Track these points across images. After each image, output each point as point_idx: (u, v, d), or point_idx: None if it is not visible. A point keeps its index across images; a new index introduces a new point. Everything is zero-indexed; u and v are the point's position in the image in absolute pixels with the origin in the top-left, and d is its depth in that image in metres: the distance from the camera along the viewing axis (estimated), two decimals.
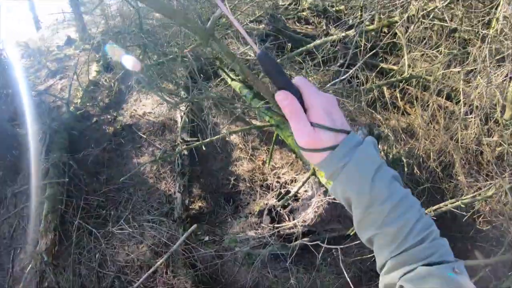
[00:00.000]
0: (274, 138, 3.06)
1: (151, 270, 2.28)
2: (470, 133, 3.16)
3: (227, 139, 3.53)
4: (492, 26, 2.92)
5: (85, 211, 2.87)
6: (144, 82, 3.75)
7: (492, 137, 3.24)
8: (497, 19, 2.82)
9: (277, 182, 3.14)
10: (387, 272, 0.57)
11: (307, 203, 2.77)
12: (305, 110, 0.56)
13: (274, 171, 3.27)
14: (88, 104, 3.76)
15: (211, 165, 3.31)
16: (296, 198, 2.93)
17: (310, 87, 0.57)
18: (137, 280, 2.33)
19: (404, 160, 3.17)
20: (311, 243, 2.31)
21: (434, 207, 2.21)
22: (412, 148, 3.22)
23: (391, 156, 3.18)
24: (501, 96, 2.98)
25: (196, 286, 2.39)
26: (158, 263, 2.29)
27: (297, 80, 0.58)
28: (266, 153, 3.37)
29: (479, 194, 2.49)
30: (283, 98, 0.56)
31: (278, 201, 2.89)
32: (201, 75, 3.99)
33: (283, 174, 3.21)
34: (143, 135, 3.47)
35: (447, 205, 2.29)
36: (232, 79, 3.70)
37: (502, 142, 3.19)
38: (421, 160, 3.23)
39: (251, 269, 2.52)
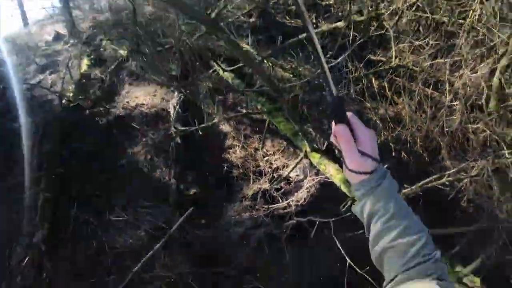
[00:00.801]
0: (266, 125, 3.14)
1: (149, 254, 2.32)
2: (455, 119, 3.31)
3: (220, 127, 3.61)
4: (470, 16, 3.08)
5: (81, 201, 2.90)
6: (144, 65, 3.81)
7: (477, 124, 3.41)
8: (474, 10, 2.99)
9: (269, 167, 3.22)
10: (396, 285, 0.68)
11: (299, 184, 2.85)
12: (355, 139, 0.73)
13: (266, 157, 3.35)
14: (80, 97, 3.78)
15: (204, 154, 3.37)
16: (288, 181, 3.01)
17: (359, 123, 0.74)
18: (135, 266, 2.37)
19: (392, 145, 3.30)
20: (304, 219, 2.40)
21: (420, 183, 2.32)
22: (399, 135, 3.35)
23: (379, 141, 3.30)
24: (486, 86, 3.13)
25: (194, 267, 2.45)
26: (156, 246, 2.34)
27: (350, 116, 0.74)
28: (258, 140, 3.45)
29: (465, 173, 2.62)
30: (341, 131, 0.72)
31: (271, 184, 2.96)
32: (194, 66, 4.05)
33: (275, 160, 3.29)
34: (136, 126, 3.51)
35: (432, 181, 2.40)
36: (224, 70, 3.78)
37: (486, 129, 3.36)
38: (408, 145, 3.37)
39: (246, 249, 2.61)
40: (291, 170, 2.56)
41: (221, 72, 3.83)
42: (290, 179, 3.01)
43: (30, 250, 2.60)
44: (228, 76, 3.72)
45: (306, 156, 2.51)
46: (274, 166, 3.26)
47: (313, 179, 2.65)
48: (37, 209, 2.75)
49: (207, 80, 3.97)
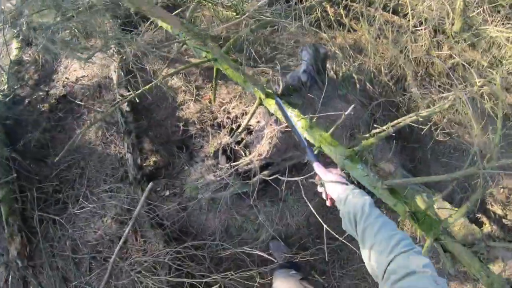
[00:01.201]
0: (214, 73, 2.87)
1: (121, 242, 2.25)
2: (420, 46, 3.08)
3: (169, 83, 3.31)
4: None
5: (43, 201, 2.72)
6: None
7: (442, 49, 3.19)
8: None
9: (228, 118, 2.98)
10: (392, 273, 0.78)
11: (260, 134, 2.71)
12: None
13: (223, 107, 3.11)
14: (16, 86, 3.34)
15: (156, 116, 3.10)
16: (249, 131, 2.85)
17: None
18: (112, 255, 2.30)
19: (355, 77, 3.10)
20: (270, 178, 2.33)
21: (393, 123, 2.18)
22: (362, 64, 3.14)
23: (341, 74, 3.10)
24: (450, 8, 2.85)
25: (168, 245, 2.36)
26: (125, 232, 2.26)
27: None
28: (211, 90, 3.17)
29: (438, 107, 2.50)
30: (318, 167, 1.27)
31: (231, 137, 2.81)
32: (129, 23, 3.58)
33: (232, 108, 3.05)
34: (80, 103, 3.18)
35: (405, 120, 2.27)
36: (162, 21, 3.33)
37: (452, 55, 3.16)
38: (372, 75, 3.18)
39: (217, 214, 2.59)
40: (247, 121, 2.36)
41: (159, 22, 3.38)
42: (251, 127, 2.84)
43: (10, 268, 2.46)
44: (167, 25, 3.28)
45: (261, 103, 2.31)
46: (233, 115, 3.03)
47: (273, 129, 2.50)
48: (3, 225, 2.58)
49: (146, 34, 3.54)
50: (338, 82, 2.95)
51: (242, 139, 2.78)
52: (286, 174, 2.55)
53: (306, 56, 2.73)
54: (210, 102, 3.13)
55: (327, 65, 3.09)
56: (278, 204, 2.53)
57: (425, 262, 0.77)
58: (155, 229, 2.37)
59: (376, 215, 0.93)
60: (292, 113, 2.12)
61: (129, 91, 3.20)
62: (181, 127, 3.05)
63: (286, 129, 2.48)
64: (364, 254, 0.89)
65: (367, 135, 2.28)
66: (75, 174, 2.84)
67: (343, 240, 1.72)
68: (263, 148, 2.42)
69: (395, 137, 3.05)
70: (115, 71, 3.28)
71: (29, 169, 2.82)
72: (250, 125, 2.87)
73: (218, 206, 2.45)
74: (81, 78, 3.36)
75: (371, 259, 0.84)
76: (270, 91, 2.22)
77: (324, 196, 1.20)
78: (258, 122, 2.90)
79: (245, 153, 2.66)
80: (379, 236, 0.85)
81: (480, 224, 2.86)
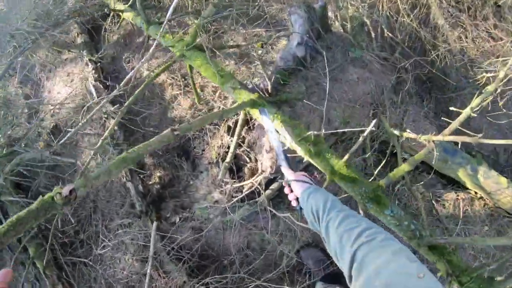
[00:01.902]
0: (189, 72, 2.36)
1: (147, 280, 2.16)
2: None
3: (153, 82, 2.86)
4: None
5: (69, 246, 2.60)
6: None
7: None
8: None
9: (224, 106, 2.55)
10: (358, 268, 0.65)
11: (262, 132, 2.27)
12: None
13: (217, 92, 2.59)
14: (9, 132, 3.13)
15: (149, 122, 2.69)
16: (248, 126, 2.42)
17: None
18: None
19: (368, 23, 2.37)
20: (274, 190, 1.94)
21: (435, 138, 1.55)
22: (373, 5, 2.36)
23: (349, 25, 2.37)
24: None
25: (192, 276, 2.18)
26: (148, 272, 2.14)
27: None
28: (200, 75, 2.69)
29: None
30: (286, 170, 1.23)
31: (231, 136, 2.40)
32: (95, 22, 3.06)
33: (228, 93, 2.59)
34: (69, 130, 2.92)
35: (455, 124, 1.62)
36: (122, 11, 2.75)
37: None
38: (388, 14, 2.40)
39: (234, 232, 2.34)
40: (231, 155, 1.87)
41: (122, 14, 2.80)
42: (250, 122, 2.38)
43: None
44: (128, 16, 2.71)
45: (245, 112, 1.81)
46: (230, 101, 2.56)
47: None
48: (43, 278, 2.60)
49: (114, 32, 3.01)
50: (348, 39, 2.26)
51: (244, 138, 2.36)
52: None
53: (298, 22, 2.06)
54: (202, 90, 2.67)
55: (329, 13, 2.38)
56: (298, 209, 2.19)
57: (394, 248, 0.63)
58: (175, 263, 2.23)
59: (338, 209, 0.85)
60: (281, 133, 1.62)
61: (113, 103, 2.86)
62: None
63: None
64: (331, 253, 0.79)
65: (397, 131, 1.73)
66: (88, 210, 2.72)
67: None
68: (265, 162, 2.00)
69: (429, 92, 2.41)
70: (91, 84, 2.90)
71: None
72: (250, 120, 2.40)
73: (232, 225, 2.20)
74: (65, 102, 3.05)
75: (338, 257, 0.74)
76: (255, 97, 1.70)
77: (289, 197, 1.15)
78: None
79: (249, 158, 2.27)
80: (340, 229, 0.76)
81: None
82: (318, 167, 1.57)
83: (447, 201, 2.27)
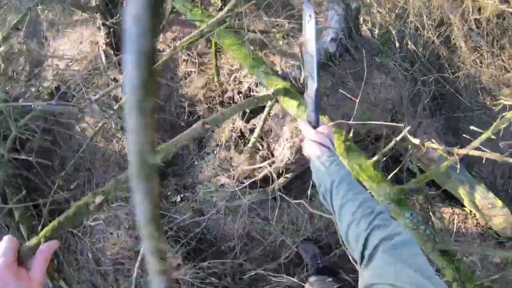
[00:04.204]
0: (213, 50, 2.14)
1: (138, 259, 1.94)
2: None
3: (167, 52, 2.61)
4: None
5: (58, 213, 2.36)
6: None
7: None
8: None
9: (239, 92, 2.25)
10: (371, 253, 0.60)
11: (280, 122, 2.10)
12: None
13: (233, 75, 2.31)
14: (8, 87, 2.75)
15: (159, 95, 2.52)
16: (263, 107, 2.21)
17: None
18: (134, 267, 2.01)
19: (393, 33, 2.26)
20: (288, 178, 1.77)
21: (460, 151, 1.43)
22: (400, 16, 2.25)
23: (377, 31, 2.25)
24: None
25: (187, 259, 1.97)
26: (141, 251, 1.92)
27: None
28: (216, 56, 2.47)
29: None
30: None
31: (245, 121, 2.21)
32: None
33: (244, 77, 2.26)
34: (74, 93, 2.61)
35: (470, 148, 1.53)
36: None
37: None
38: (413, 27, 2.30)
39: (237, 218, 2.18)
40: (257, 135, 1.70)
41: None
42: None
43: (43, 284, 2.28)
44: None
45: (276, 100, 1.64)
46: (245, 86, 2.34)
47: (296, 130, 1.84)
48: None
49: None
50: (375, 44, 2.14)
51: (256, 124, 2.18)
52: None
53: (334, 18, 1.90)
54: (215, 79, 2.46)
55: (360, 18, 2.25)
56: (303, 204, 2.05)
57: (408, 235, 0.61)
58: (171, 244, 2.02)
59: (355, 192, 0.73)
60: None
61: (121, 71, 2.58)
62: (186, 108, 2.46)
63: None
64: (342, 231, 0.71)
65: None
66: (82, 178, 2.43)
67: None
68: (283, 153, 1.83)
69: (440, 109, 2.34)
70: (103, 50, 2.60)
71: (36, 180, 2.43)
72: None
73: (236, 212, 2.02)
74: (71, 63, 2.72)
75: (349, 241, 0.68)
76: (288, 85, 1.54)
77: (304, 151, 0.88)
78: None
79: (262, 146, 2.10)
80: (357, 214, 0.68)
81: None
82: (345, 164, 1.43)
83: (443, 215, 2.21)
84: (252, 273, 1.75)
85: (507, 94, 1.98)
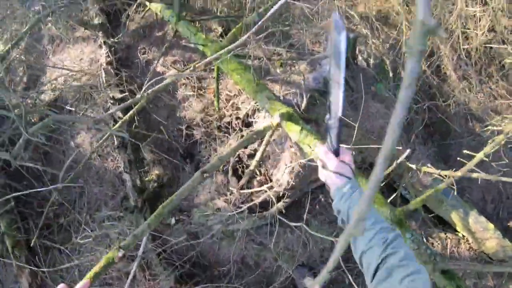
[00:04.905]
0: (215, 75, 2.14)
1: (129, 279, 1.84)
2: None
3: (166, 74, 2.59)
4: None
5: (45, 228, 2.16)
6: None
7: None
8: None
9: (237, 118, 2.24)
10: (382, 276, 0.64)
11: (278, 148, 2.08)
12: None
13: (231, 101, 2.32)
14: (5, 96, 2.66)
15: (155, 118, 2.36)
16: (262, 139, 2.19)
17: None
18: None
19: (387, 62, 2.30)
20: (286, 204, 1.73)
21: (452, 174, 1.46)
22: (393, 45, 2.30)
23: (372, 61, 2.29)
24: None
25: (180, 283, 1.86)
26: (132, 271, 1.82)
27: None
28: (214, 83, 2.46)
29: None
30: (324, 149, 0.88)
31: (244, 147, 2.17)
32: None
33: (242, 103, 2.27)
34: (71, 108, 2.55)
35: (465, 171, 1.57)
36: (150, 1, 2.49)
37: None
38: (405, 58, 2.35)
39: (232, 243, 2.10)
40: (258, 162, 1.67)
41: (147, 4, 2.54)
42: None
43: None
44: (156, 7, 2.45)
45: (277, 124, 1.62)
46: (243, 112, 2.26)
47: (295, 155, 1.82)
48: (10, 257, 2.17)
49: (134, 20, 2.73)
50: (370, 73, 2.17)
51: (255, 151, 2.15)
52: (309, 197, 1.98)
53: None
54: (215, 96, 2.44)
55: (357, 48, 2.29)
56: (300, 228, 2.00)
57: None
58: (164, 267, 1.92)
59: (372, 222, 0.73)
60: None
61: (122, 91, 2.54)
62: (184, 131, 2.42)
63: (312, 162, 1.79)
64: (356, 255, 0.74)
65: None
66: (74, 195, 2.33)
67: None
68: (282, 178, 1.80)
69: (431, 136, 2.37)
70: (103, 68, 2.57)
71: (22, 196, 2.32)
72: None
73: (232, 235, 1.95)
74: (70, 78, 2.67)
75: (363, 264, 0.71)
76: (291, 110, 1.52)
77: (319, 172, 0.86)
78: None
79: (260, 172, 2.06)
80: (372, 242, 0.70)
81: None
82: None
83: (436, 239, 2.19)
84: None
85: (496, 120, 2.02)
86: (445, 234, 2.16)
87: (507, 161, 1.85)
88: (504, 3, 2.07)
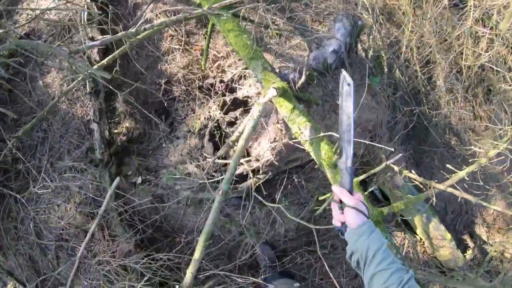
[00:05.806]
0: (209, 29, 1.92)
1: (86, 239, 1.67)
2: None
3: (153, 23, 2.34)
4: None
5: (2, 173, 1.94)
6: None
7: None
8: None
9: (221, 81, 2.06)
10: None
11: (260, 122, 1.94)
12: None
13: (217, 62, 2.13)
14: None
15: (134, 66, 2.09)
16: (245, 108, 1.96)
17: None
18: (80, 246, 1.73)
19: (384, 57, 2.22)
20: (263, 180, 1.65)
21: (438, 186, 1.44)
22: (395, 42, 2.22)
23: (371, 52, 2.19)
24: None
25: (139, 247, 1.76)
26: (91, 229, 1.66)
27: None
28: (204, 39, 2.15)
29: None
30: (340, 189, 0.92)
31: (224, 113, 2.03)
32: None
33: (228, 66, 2.10)
34: (45, 44, 2.24)
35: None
36: None
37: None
38: (404, 57, 2.28)
39: (198, 211, 1.92)
40: (246, 138, 1.54)
41: None
42: (249, 99, 2.04)
43: None
44: None
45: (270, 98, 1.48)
46: (228, 76, 2.05)
47: (280, 132, 1.70)
48: None
49: None
50: (367, 65, 2.08)
51: (236, 119, 2.01)
52: (286, 177, 1.90)
53: (340, 30, 1.80)
54: (202, 54, 2.22)
55: (361, 37, 2.17)
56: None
57: None
58: (125, 229, 1.78)
59: (388, 262, 0.78)
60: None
61: (103, 32, 2.27)
62: (163, 85, 2.20)
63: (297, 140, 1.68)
64: None
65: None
66: (36, 139, 2.07)
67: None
68: (264, 153, 1.69)
69: (410, 139, 2.35)
70: (86, 3, 2.26)
71: None
72: (247, 97, 2.07)
73: (199, 205, 1.84)
74: (49, 12, 2.33)
75: None
76: (286, 86, 1.39)
77: (335, 216, 0.91)
78: (259, 94, 2.09)
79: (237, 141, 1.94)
80: (388, 282, 0.76)
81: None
82: (330, 179, 1.34)
83: (395, 238, 2.22)
84: (207, 273, 1.59)
85: (477, 140, 2.03)
86: (404, 234, 2.19)
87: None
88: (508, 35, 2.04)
